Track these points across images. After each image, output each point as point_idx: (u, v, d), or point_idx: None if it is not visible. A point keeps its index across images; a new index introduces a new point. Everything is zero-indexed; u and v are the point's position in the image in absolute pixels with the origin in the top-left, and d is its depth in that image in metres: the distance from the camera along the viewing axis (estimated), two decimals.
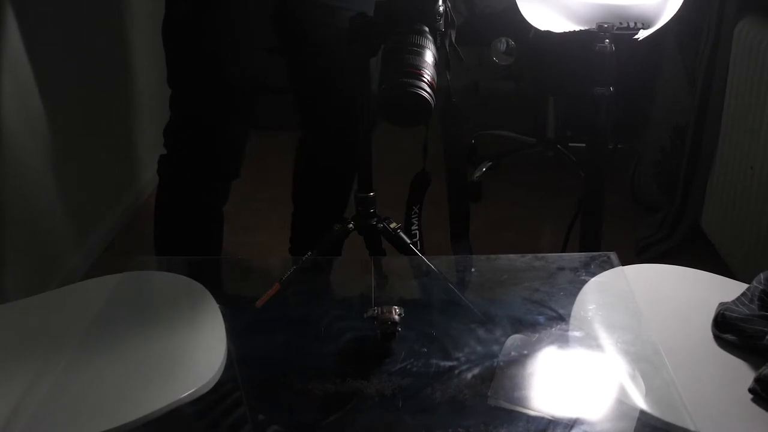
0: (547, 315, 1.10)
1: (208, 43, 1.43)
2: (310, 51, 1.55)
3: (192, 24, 1.44)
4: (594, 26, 1.48)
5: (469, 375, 0.99)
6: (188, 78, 1.48)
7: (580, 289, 1.11)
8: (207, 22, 1.42)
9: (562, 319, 1.08)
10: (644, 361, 0.97)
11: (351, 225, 1.33)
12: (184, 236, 1.58)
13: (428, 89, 1.11)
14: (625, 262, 1.17)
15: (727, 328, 1.00)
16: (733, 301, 1.03)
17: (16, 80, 1.82)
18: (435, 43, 1.18)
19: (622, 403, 0.92)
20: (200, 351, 1.00)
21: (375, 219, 1.33)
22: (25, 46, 1.83)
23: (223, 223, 1.61)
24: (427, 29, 1.18)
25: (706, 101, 2.09)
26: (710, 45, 2.05)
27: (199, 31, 1.43)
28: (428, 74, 1.12)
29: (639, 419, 0.89)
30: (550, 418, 0.92)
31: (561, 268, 1.24)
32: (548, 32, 1.52)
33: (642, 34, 1.47)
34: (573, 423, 0.91)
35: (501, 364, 1.01)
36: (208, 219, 1.59)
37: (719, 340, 1.01)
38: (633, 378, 0.94)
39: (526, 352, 1.04)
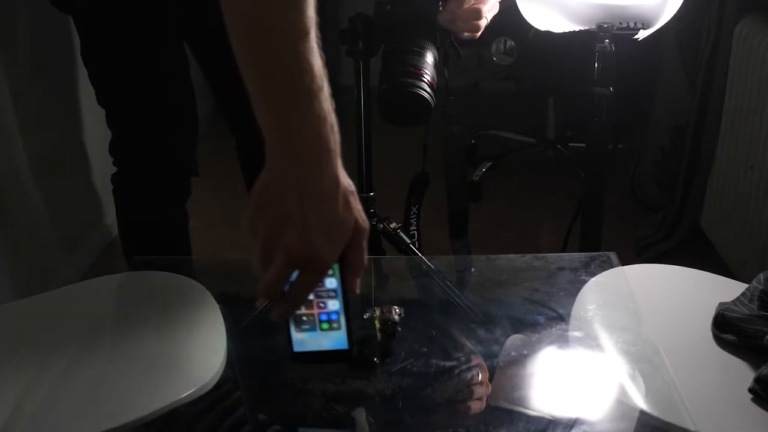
0: (547, 315, 1.10)
1: (125, 51, 1.41)
2: (222, 46, 1.53)
3: (107, 38, 1.42)
4: (594, 26, 1.48)
5: (469, 375, 0.99)
6: (115, 93, 1.47)
7: (580, 289, 1.11)
8: (123, 37, 1.40)
9: (562, 319, 1.08)
10: (644, 361, 0.97)
11: None
12: (148, 239, 1.57)
13: (428, 89, 1.11)
14: (625, 262, 1.17)
15: (727, 328, 1.00)
16: (733, 301, 1.03)
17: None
18: (435, 42, 1.18)
19: (622, 403, 0.92)
20: (200, 351, 1.00)
21: (375, 219, 1.33)
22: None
23: (188, 219, 1.61)
24: (427, 29, 1.18)
25: (706, 101, 2.09)
26: (710, 45, 2.05)
27: (116, 42, 1.41)
28: (428, 74, 1.12)
29: (639, 419, 0.89)
30: (550, 418, 0.92)
31: (561, 268, 1.24)
32: (548, 32, 1.52)
33: (642, 34, 1.47)
34: (573, 423, 0.91)
35: (501, 364, 1.01)
36: (169, 218, 1.58)
37: (719, 340, 1.01)
38: (633, 378, 0.94)
39: (526, 352, 1.03)
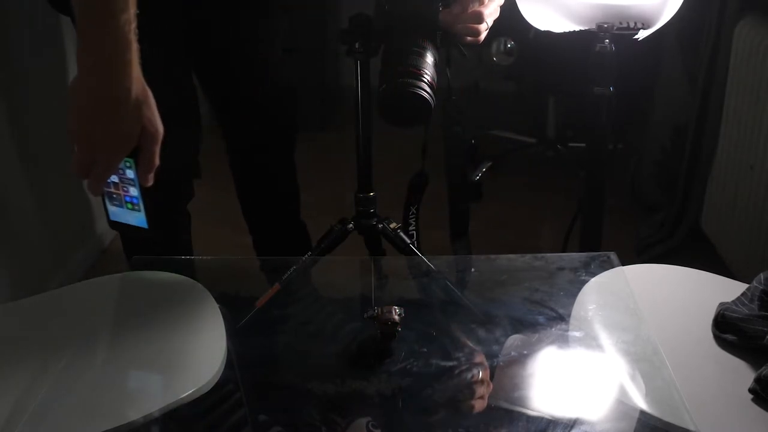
0: (547, 315, 1.10)
1: None
2: (215, 50, 1.53)
3: None
4: (594, 26, 1.48)
5: (469, 375, 0.99)
6: None
7: (580, 289, 1.11)
8: None
9: (562, 319, 1.08)
10: (644, 361, 0.97)
11: (351, 225, 1.33)
12: (150, 241, 1.57)
13: (428, 89, 1.11)
14: (625, 262, 1.17)
15: (727, 328, 1.00)
16: (733, 301, 1.03)
17: None
18: (435, 42, 1.18)
19: (622, 403, 0.92)
20: (200, 351, 1.00)
21: (375, 219, 1.33)
22: None
23: (189, 221, 1.61)
24: (427, 29, 1.18)
25: (706, 101, 2.09)
26: (710, 45, 2.05)
27: None
28: (428, 74, 1.12)
29: (639, 419, 0.89)
30: (550, 418, 0.92)
31: (561, 268, 1.24)
32: (548, 32, 1.52)
33: (642, 34, 1.47)
34: (573, 423, 0.91)
35: (501, 364, 1.01)
36: (171, 221, 1.58)
37: (719, 340, 1.01)
38: (633, 378, 0.94)
39: (526, 352, 1.04)
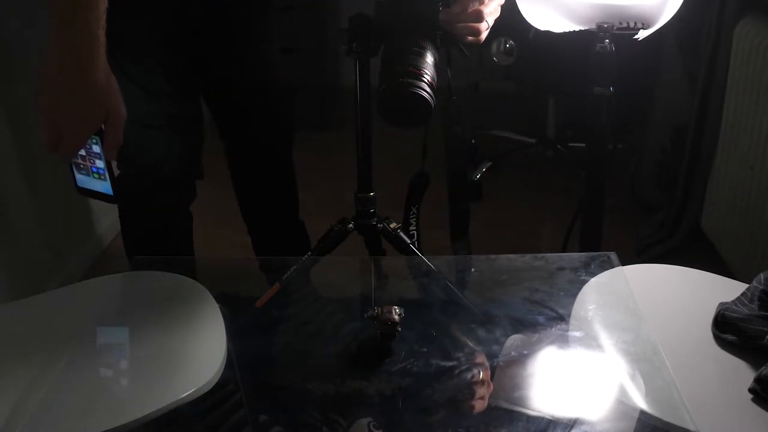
0: (547, 315, 1.10)
1: (127, 53, 1.41)
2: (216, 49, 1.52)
3: (111, 45, 1.41)
4: (594, 26, 1.48)
5: (469, 375, 0.99)
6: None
7: (580, 289, 1.11)
8: (124, 42, 1.39)
9: (562, 319, 1.08)
10: (644, 361, 0.97)
11: (351, 225, 1.33)
12: (151, 242, 1.57)
13: (428, 89, 1.11)
14: (625, 262, 1.17)
15: (727, 328, 1.00)
16: (733, 301, 1.03)
17: None
18: (435, 42, 1.18)
19: (622, 403, 0.92)
20: (200, 351, 1.00)
21: (375, 219, 1.33)
22: None
23: (191, 222, 1.61)
24: (427, 29, 1.18)
25: (706, 101, 2.09)
26: (710, 45, 2.05)
27: (119, 50, 1.41)
28: (428, 74, 1.12)
29: (639, 419, 0.89)
30: (550, 418, 0.92)
31: (561, 268, 1.24)
32: (548, 32, 1.52)
33: (642, 34, 1.47)
34: (573, 423, 0.91)
35: (501, 364, 1.01)
36: (173, 222, 1.58)
37: (719, 340, 1.01)
38: (633, 378, 0.94)
39: (526, 352, 1.04)
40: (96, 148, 1.05)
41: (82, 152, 1.06)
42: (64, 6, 0.93)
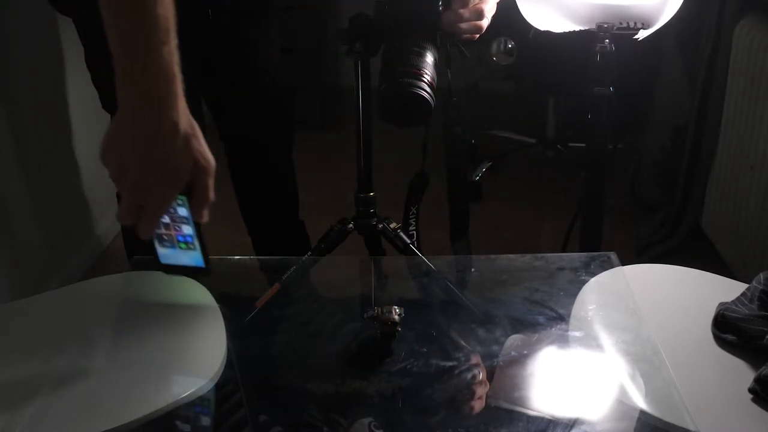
0: (547, 315, 1.10)
1: None
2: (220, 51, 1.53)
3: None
4: (594, 26, 1.49)
5: (469, 375, 0.99)
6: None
7: (580, 289, 1.11)
8: None
9: (562, 319, 1.08)
10: (644, 361, 0.97)
11: (351, 225, 1.33)
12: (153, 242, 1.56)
13: (428, 89, 1.11)
14: (625, 262, 1.17)
15: (727, 328, 1.00)
16: (733, 301, 1.03)
17: None
18: (435, 42, 1.18)
19: (622, 403, 0.92)
20: (200, 351, 1.00)
21: (375, 219, 1.33)
22: None
23: None
24: (427, 29, 1.18)
25: (706, 101, 2.09)
26: (710, 45, 2.05)
27: None
28: (428, 74, 1.12)
29: (639, 419, 0.89)
30: (550, 418, 0.92)
31: (561, 268, 1.24)
32: (548, 32, 1.52)
33: (642, 34, 1.48)
34: (573, 423, 0.91)
35: (501, 364, 1.01)
36: None
37: (719, 340, 1.01)
38: (633, 378, 0.94)
39: (526, 352, 1.03)
40: (182, 211, 0.88)
41: (165, 219, 0.90)
42: (134, 42, 0.80)
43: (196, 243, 0.91)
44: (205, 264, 0.93)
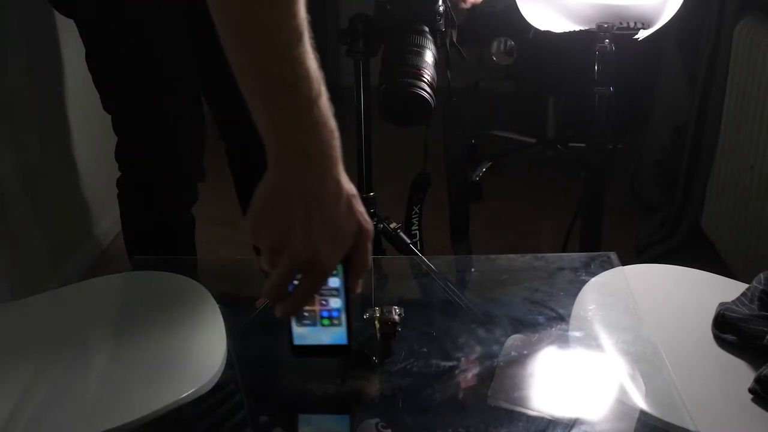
0: (547, 315, 1.10)
1: (130, 57, 1.41)
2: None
3: (115, 46, 1.41)
4: (594, 26, 1.49)
5: (469, 375, 0.99)
6: (121, 98, 1.46)
7: (580, 289, 1.11)
8: (128, 43, 1.40)
9: (562, 319, 1.08)
10: (644, 361, 0.97)
11: None
12: (153, 243, 1.57)
13: (428, 89, 1.11)
14: (625, 262, 1.17)
15: (727, 328, 1.00)
16: (733, 301, 1.03)
17: None
18: (435, 42, 1.18)
19: (622, 403, 0.92)
20: (200, 351, 1.00)
21: (375, 219, 1.33)
22: None
23: (194, 224, 1.61)
24: (427, 29, 1.18)
25: (706, 101, 2.09)
26: (710, 45, 2.05)
27: (123, 51, 1.40)
28: (428, 74, 1.12)
29: (639, 419, 0.89)
30: (550, 418, 0.92)
31: (561, 268, 1.24)
32: (548, 32, 1.52)
33: (642, 34, 1.48)
34: (573, 423, 0.91)
35: (501, 364, 1.01)
36: (175, 223, 1.58)
37: (719, 340, 1.01)
38: (633, 378, 0.94)
39: (526, 352, 1.03)
40: (333, 281, 0.79)
41: None
42: (298, 96, 0.71)
43: (343, 318, 0.82)
44: (348, 341, 0.83)
